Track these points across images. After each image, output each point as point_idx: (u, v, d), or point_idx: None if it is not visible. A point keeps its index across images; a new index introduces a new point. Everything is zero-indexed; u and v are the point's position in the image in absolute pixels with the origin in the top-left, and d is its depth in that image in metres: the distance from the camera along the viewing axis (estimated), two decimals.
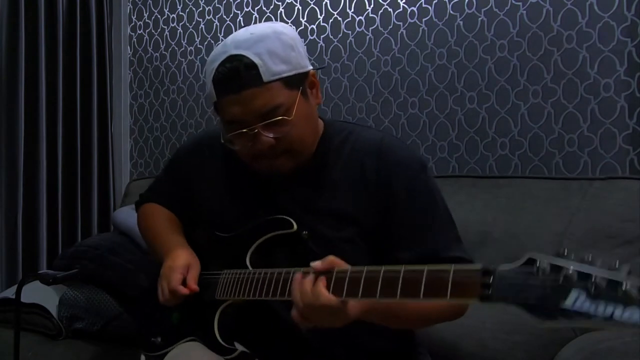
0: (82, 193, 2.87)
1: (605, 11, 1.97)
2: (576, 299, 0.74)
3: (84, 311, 2.15)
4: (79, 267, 2.10)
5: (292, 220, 1.25)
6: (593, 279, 0.73)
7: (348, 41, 2.46)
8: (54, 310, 2.18)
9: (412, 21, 2.32)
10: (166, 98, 2.97)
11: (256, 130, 1.20)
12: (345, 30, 2.46)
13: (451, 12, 2.24)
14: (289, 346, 1.29)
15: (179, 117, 2.94)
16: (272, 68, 1.18)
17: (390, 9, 2.36)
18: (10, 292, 2.23)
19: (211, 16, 2.81)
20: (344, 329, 1.09)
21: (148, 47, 3.03)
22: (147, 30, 3.03)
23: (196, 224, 1.47)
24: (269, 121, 1.19)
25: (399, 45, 2.35)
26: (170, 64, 2.95)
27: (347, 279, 1.02)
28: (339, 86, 2.48)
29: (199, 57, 2.86)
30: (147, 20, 3.03)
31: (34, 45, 2.70)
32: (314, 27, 2.53)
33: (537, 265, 0.77)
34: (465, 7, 2.21)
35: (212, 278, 1.32)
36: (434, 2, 2.27)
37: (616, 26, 1.95)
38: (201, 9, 2.84)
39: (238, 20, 2.73)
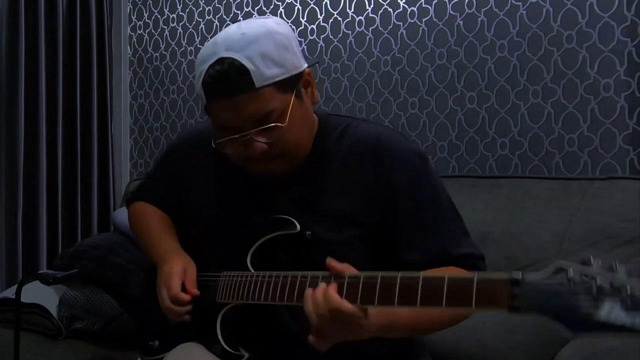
0: (82, 193, 2.87)
1: (605, 11, 1.97)
2: (610, 310, 0.72)
3: (84, 311, 2.15)
4: (79, 267, 2.10)
5: (294, 221, 1.22)
6: (628, 290, 0.71)
7: (348, 41, 2.46)
8: (54, 310, 2.18)
9: (412, 21, 2.32)
10: (166, 98, 2.97)
11: (248, 137, 1.16)
12: (345, 30, 2.46)
13: (451, 12, 2.24)
14: (292, 350, 1.25)
15: (179, 117, 2.94)
16: (264, 73, 1.13)
17: (390, 9, 2.36)
18: (10, 292, 2.23)
19: (211, 16, 2.82)
20: None
21: (148, 47, 3.03)
22: (147, 30, 3.03)
23: (189, 222, 1.43)
24: (261, 128, 1.15)
25: (399, 45, 2.35)
26: (170, 64, 2.95)
27: (360, 284, 0.98)
28: (339, 86, 2.48)
29: None
30: (147, 20, 3.03)
31: (34, 45, 2.70)
32: (314, 27, 2.53)
33: (568, 275, 0.75)
34: (465, 7, 2.21)
35: (211, 280, 1.28)
36: (434, 2, 2.27)
37: (616, 26, 1.95)
38: (201, 9, 2.85)
39: (238, 20, 2.73)
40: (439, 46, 2.27)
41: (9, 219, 2.63)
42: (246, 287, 1.19)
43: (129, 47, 3.09)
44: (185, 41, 2.90)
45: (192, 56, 2.88)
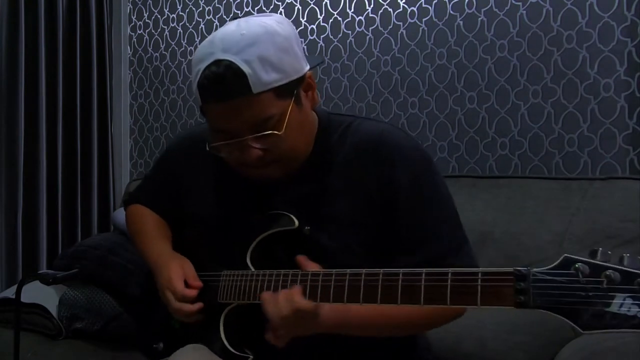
0: (82, 193, 2.87)
1: (605, 11, 1.97)
2: (622, 303, 0.69)
3: (84, 311, 2.15)
4: (79, 267, 2.10)
5: (292, 217, 1.20)
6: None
7: (348, 41, 2.46)
8: (54, 310, 2.18)
9: (412, 21, 2.32)
10: (166, 98, 2.97)
11: (243, 142, 1.13)
12: (345, 30, 2.46)
13: (451, 12, 2.24)
14: (294, 349, 1.22)
15: (179, 117, 2.94)
16: (262, 78, 1.08)
17: (390, 9, 2.36)
18: (10, 292, 2.23)
19: (211, 16, 2.81)
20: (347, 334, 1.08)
21: (148, 47, 3.03)
22: (147, 30, 3.03)
23: (188, 223, 1.41)
24: (257, 135, 1.11)
25: (399, 45, 2.35)
26: (170, 64, 2.95)
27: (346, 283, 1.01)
28: (339, 86, 2.48)
29: None
30: (147, 20, 3.03)
31: (34, 45, 2.70)
32: (314, 27, 2.53)
33: (576, 267, 0.72)
34: (465, 7, 2.21)
35: (212, 280, 1.27)
36: (434, 2, 2.27)
37: (616, 26, 1.95)
38: (201, 9, 2.85)
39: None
40: (439, 46, 2.27)
41: (9, 219, 2.63)
42: (247, 287, 1.18)
43: (129, 47, 3.09)
44: (185, 41, 2.90)
45: (192, 56, 2.87)
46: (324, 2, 2.51)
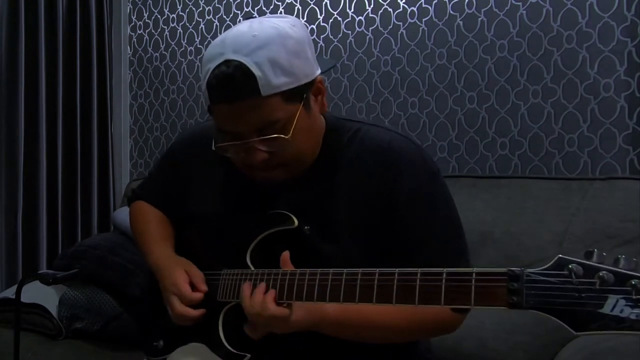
0: (82, 193, 2.87)
1: (605, 11, 1.97)
2: (615, 305, 0.69)
3: (84, 311, 2.16)
4: (79, 267, 2.10)
5: (292, 216, 1.20)
6: (634, 282, 0.68)
7: (348, 41, 2.46)
8: (54, 310, 2.18)
9: (412, 21, 2.32)
10: (166, 98, 2.97)
11: (249, 144, 1.13)
12: (345, 30, 2.46)
13: (451, 12, 2.24)
14: (293, 349, 1.24)
15: (179, 117, 2.94)
16: (272, 81, 1.07)
17: (390, 9, 2.36)
18: (10, 292, 2.23)
19: (211, 16, 2.82)
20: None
21: (148, 47, 3.03)
22: (147, 30, 3.03)
23: (191, 220, 1.41)
24: (263, 137, 1.11)
25: (399, 45, 2.35)
26: (170, 64, 2.95)
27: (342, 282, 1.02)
28: (339, 86, 2.48)
29: (199, 57, 2.86)
30: (147, 20, 3.03)
31: (34, 45, 2.70)
32: (314, 27, 2.53)
33: (570, 268, 0.72)
34: (465, 7, 2.21)
35: (212, 279, 1.27)
36: (434, 2, 2.27)
37: (616, 26, 1.95)
38: (201, 9, 2.85)
39: (238, 20, 2.73)
40: (439, 46, 2.27)
41: (9, 219, 2.63)
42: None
43: (129, 47, 3.09)
44: (185, 41, 2.90)
45: (192, 56, 2.88)
46: (324, 2, 2.51)
